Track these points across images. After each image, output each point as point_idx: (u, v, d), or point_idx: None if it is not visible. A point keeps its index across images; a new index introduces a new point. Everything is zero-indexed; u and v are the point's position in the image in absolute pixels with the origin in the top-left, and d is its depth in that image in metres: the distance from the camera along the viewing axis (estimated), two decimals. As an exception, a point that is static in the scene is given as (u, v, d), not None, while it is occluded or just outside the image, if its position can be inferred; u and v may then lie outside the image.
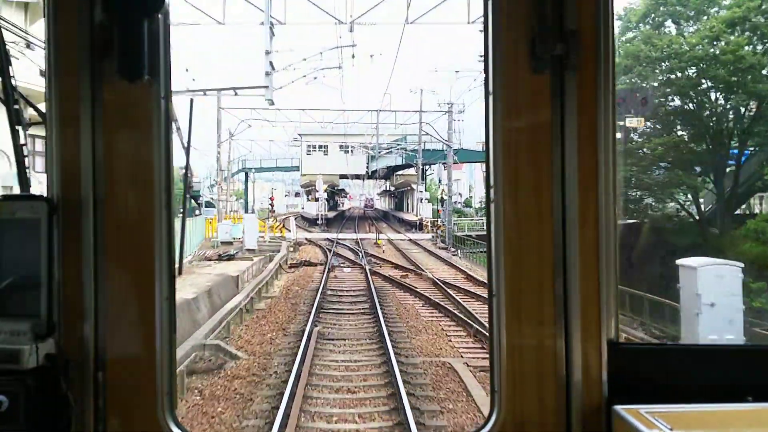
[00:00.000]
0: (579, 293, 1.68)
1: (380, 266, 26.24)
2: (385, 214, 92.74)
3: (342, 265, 27.05)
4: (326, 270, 23.89)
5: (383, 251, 33.08)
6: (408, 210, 76.45)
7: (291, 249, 31.38)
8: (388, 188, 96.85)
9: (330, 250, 31.10)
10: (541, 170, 1.69)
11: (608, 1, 1.68)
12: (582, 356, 1.67)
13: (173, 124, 1.88)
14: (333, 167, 76.52)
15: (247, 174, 76.88)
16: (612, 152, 1.70)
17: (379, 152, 61.51)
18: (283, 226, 40.20)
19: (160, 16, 1.69)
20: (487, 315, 1.79)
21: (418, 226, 46.27)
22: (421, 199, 49.76)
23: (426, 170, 57.25)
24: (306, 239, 38.53)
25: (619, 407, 1.62)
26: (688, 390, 1.65)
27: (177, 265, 1.79)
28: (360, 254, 29.88)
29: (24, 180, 2.00)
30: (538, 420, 1.71)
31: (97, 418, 1.71)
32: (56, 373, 1.60)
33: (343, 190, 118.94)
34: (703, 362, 1.78)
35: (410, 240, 39.16)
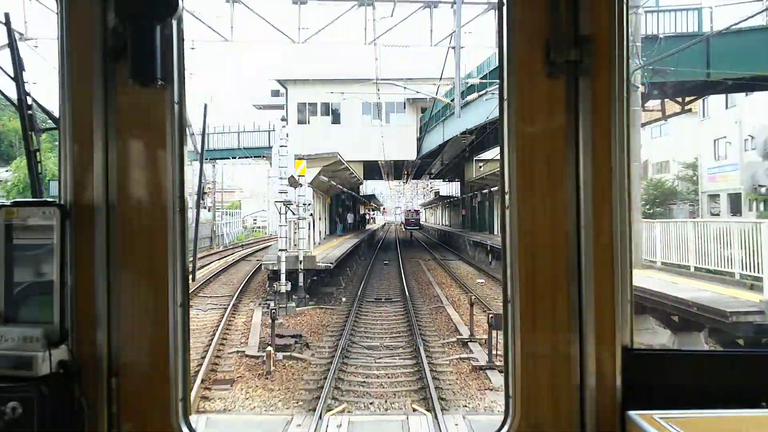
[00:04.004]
0: (593, 299, 1.80)
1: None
2: (449, 239, 51.37)
3: None
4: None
5: None
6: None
7: None
8: (443, 194, 46.18)
9: None
10: (556, 176, 1.82)
11: (623, 6, 1.81)
12: (596, 362, 1.80)
13: (187, 130, 2.01)
14: (352, 148, 37.04)
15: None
16: (626, 157, 1.81)
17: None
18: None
19: (173, 21, 1.80)
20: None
21: None
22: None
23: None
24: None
25: (633, 413, 1.71)
26: (702, 396, 1.76)
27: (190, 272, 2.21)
28: None
29: (36, 186, 2.15)
30: (552, 425, 1.81)
31: (110, 424, 1.81)
32: (69, 380, 1.71)
33: (372, 197, 71.83)
34: (717, 368, 1.87)
35: None
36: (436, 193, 77.74)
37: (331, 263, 22.00)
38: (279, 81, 42.19)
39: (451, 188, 68.76)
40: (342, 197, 44.86)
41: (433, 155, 40.84)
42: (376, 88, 32.48)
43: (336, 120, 42.04)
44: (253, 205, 79.63)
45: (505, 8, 1.81)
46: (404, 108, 42.37)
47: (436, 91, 30.95)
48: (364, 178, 46.97)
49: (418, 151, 41.75)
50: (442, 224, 76.99)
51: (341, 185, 36.86)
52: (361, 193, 55.45)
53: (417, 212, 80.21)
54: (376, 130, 38.47)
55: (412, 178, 59.91)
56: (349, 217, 46.62)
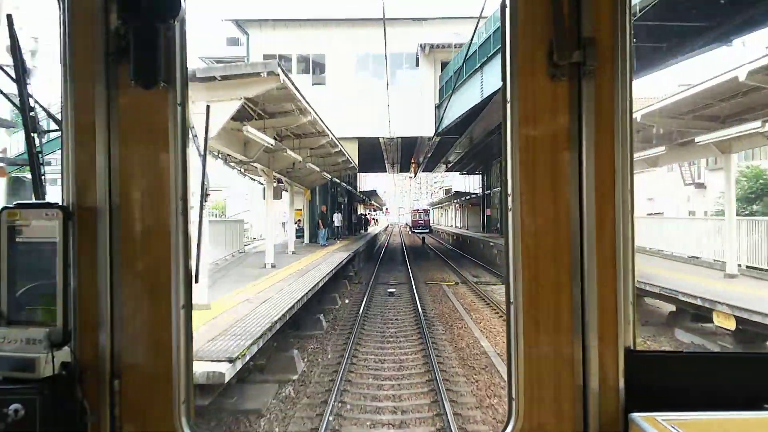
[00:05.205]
0: (596, 301, 1.88)
1: None
2: (474, 247, 38.29)
3: None
4: None
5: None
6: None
7: None
8: (457, 190, 31.39)
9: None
10: (559, 177, 1.90)
11: (625, 8, 1.89)
12: (599, 364, 1.89)
13: (189, 131, 2.03)
14: (343, 119, 26.72)
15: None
16: (629, 159, 1.89)
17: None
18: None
19: (175, 22, 1.87)
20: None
21: None
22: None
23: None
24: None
25: (635, 415, 1.78)
26: (705, 398, 1.83)
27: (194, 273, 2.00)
28: None
29: (39, 187, 2.16)
30: (554, 428, 1.90)
31: (112, 426, 1.88)
32: (72, 382, 1.78)
33: (373, 193, 59.71)
34: (719, 370, 1.93)
35: None
36: (447, 191, 66.14)
37: (219, 373, 6.74)
38: (237, 23, 30.23)
39: (469, 183, 57.24)
40: (333, 191, 33.06)
41: (460, 128, 28.88)
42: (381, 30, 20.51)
43: (319, 79, 30.01)
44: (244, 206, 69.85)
45: (508, 10, 1.89)
46: (417, 62, 30.49)
47: (475, 28, 19.02)
48: (360, 168, 35.14)
49: (438, 124, 29.80)
50: (456, 227, 68.90)
51: (323, 168, 24.77)
52: (359, 189, 43.39)
53: (426, 212, 70.74)
54: (377, 92, 26.55)
55: (422, 170, 47.92)
56: (336, 219, 35.70)
